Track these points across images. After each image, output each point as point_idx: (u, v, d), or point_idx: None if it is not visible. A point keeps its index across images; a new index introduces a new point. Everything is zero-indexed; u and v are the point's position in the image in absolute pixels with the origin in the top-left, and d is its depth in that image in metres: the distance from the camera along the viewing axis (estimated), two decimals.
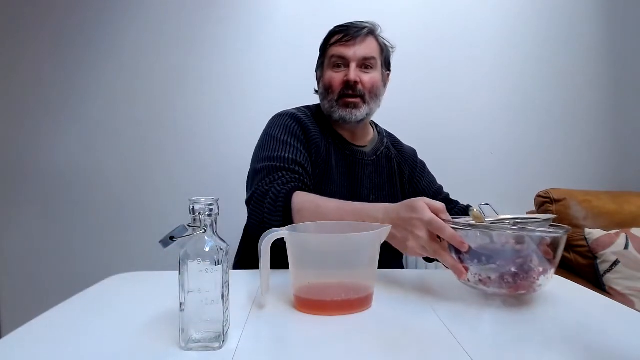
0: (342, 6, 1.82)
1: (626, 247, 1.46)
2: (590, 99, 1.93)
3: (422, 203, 0.71)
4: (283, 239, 0.66)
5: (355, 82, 1.02)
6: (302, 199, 0.86)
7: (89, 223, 1.89)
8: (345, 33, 1.04)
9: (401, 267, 1.14)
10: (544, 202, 1.66)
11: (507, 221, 0.72)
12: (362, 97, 1.03)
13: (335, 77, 1.04)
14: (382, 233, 0.66)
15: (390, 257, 1.01)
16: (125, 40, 1.88)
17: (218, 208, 0.53)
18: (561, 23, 1.91)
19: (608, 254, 1.47)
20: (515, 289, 0.65)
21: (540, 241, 0.65)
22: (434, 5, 1.89)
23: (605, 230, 1.53)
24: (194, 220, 0.52)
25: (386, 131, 1.22)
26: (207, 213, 0.52)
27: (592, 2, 1.92)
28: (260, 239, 0.65)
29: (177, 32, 1.88)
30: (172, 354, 0.50)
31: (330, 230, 0.71)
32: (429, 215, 0.69)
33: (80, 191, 1.89)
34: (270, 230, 0.65)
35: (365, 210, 0.79)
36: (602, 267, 1.48)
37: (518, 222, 0.71)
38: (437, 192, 1.18)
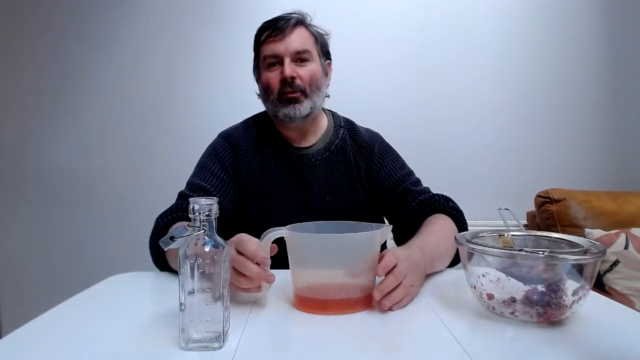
0: (342, 7, 1.83)
1: (626, 247, 1.46)
2: (590, 98, 1.93)
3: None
4: (282, 238, 0.66)
5: (293, 78, 0.96)
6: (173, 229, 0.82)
7: (89, 223, 1.89)
8: (272, 28, 0.99)
9: None
10: (544, 202, 1.66)
11: (540, 252, 0.62)
12: (302, 91, 0.98)
13: (272, 76, 0.99)
14: (383, 233, 0.66)
15: None
16: (127, 40, 1.88)
17: (217, 208, 0.53)
18: (561, 22, 1.91)
19: (608, 254, 1.47)
20: (546, 318, 0.59)
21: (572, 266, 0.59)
22: (434, 4, 1.90)
23: (605, 230, 1.53)
24: (194, 220, 0.52)
25: (345, 120, 1.13)
26: (206, 213, 0.52)
27: (592, 1, 1.92)
28: (261, 238, 0.65)
29: (178, 33, 1.88)
30: (172, 354, 0.50)
31: (330, 231, 0.71)
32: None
33: (81, 191, 1.89)
34: (270, 229, 0.66)
35: None
36: (602, 267, 1.48)
37: (551, 250, 0.63)
38: (397, 183, 1.04)
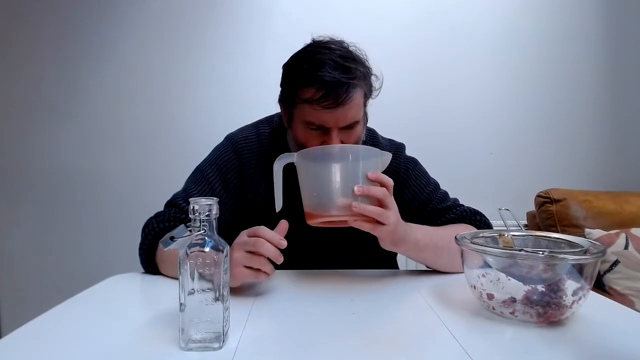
0: (341, 7, 1.82)
1: (626, 247, 1.46)
2: (591, 98, 1.93)
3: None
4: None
5: None
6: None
7: (90, 223, 1.89)
8: (326, 93, 0.79)
9: (395, 266, 1.07)
10: (544, 202, 1.66)
11: (540, 252, 0.61)
12: None
13: (311, 138, 0.85)
14: (384, 157, 0.73)
15: (382, 257, 0.99)
16: (126, 41, 1.88)
17: (217, 209, 0.53)
18: (561, 21, 1.91)
19: (608, 254, 1.47)
20: (546, 319, 0.59)
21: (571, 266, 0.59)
22: (433, 2, 1.89)
23: (605, 230, 1.53)
24: (194, 220, 0.52)
25: (368, 132, 1.02)
26: (206, 213, 0.52)
27: (593, 0, 1.92)
28: (274, 163, 0.74)
29: (177, 34, 1.88)
30: (172, 354, 0.50)
31: None
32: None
33: (81, 191, 1.89)
34: (283, 155, 0.73)
35: None
36: (602, 267, 1.48)
37: (551, 250, 0.63)
38: (423, 204, 0.97)
